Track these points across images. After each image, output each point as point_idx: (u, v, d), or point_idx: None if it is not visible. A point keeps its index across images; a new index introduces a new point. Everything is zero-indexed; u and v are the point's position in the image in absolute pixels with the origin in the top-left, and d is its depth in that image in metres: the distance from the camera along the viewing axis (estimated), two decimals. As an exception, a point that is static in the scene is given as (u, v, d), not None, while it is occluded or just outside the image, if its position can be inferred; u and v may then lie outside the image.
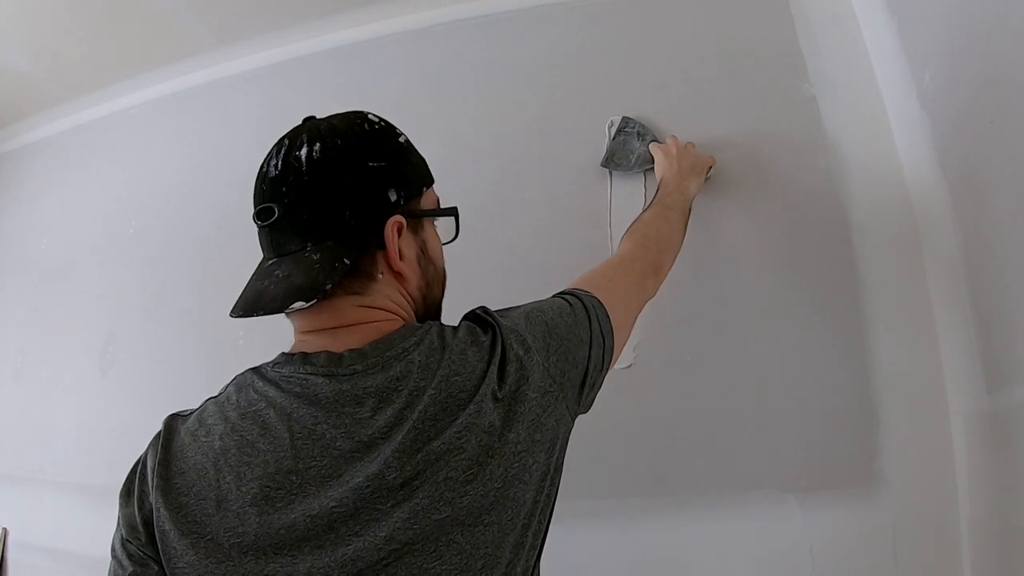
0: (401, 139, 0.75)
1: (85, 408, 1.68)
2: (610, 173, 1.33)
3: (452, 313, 0.82)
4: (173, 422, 0.70)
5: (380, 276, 0.71)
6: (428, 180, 0.78)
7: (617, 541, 1.18)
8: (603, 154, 1.33)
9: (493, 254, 1.36)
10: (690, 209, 1.14)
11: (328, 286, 0.65)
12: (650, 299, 0.97)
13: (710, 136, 1.28)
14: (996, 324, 0.94)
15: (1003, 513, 0.94)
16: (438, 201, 0.81)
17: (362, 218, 0.69)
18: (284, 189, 0.68)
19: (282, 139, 0.72)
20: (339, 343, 0.68)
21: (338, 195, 0.68)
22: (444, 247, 0.82)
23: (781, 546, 1.10)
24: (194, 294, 1.60)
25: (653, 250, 0.99)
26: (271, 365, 0.70)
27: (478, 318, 0.74)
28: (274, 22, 1.69)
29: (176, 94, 1.84)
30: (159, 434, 0.69)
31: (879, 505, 1.06)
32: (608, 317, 0.79)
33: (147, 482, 0.66)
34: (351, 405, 0.64)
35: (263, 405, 0.66)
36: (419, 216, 0.75)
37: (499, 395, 0.66)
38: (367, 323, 0.70)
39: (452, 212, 0.79)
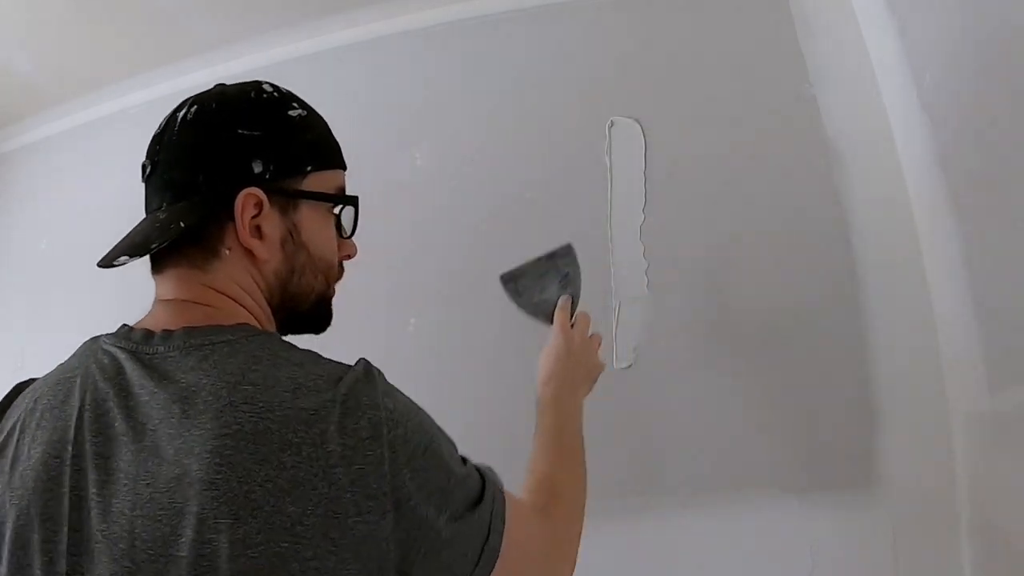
0: (294, 113, 0.70)
1: (85, 408, 1.67)
2: (609, 169, 1.33)
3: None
4: (22, 385, 0.69)
5: (227, 252, 0.66)
6: (323, 163, 0.71)
7: (616, 541, 1.18)
8: (512, 266, 1.09)
9: (493, 254, 1.36)
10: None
11: (154, 245, 0.63)
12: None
13: (711, 136, 1.28)
14: (996, 324, 0.94)
15: (1003, 513, 0.94)
16: (343, 190, 0.74)
17: (214, 184, 0.65)
18: (157, 148, 0.68)
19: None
20: (167, 320, 0.64)
21: (197, 157, 0.66)
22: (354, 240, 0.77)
23: (781, 546, 1.10)
24: (194, 294, 1.60)
25: (563, 526, 0.81)
26: (109, 333, 0.67)
27: (354, 365, 0.61)
28: (274, 22, 1.69)
29: (177, 94, 1.82)
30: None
31: (879, 505, 1.06)
32: (503, 518, 0.64)
33: None
34: (137, 387, 0.59)
35: (77, 372, 0.63)
36: (292, 195, 0.68)
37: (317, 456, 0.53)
38: (202, 304, 0.65)
39: (339, 199, 0.72)
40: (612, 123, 1.35)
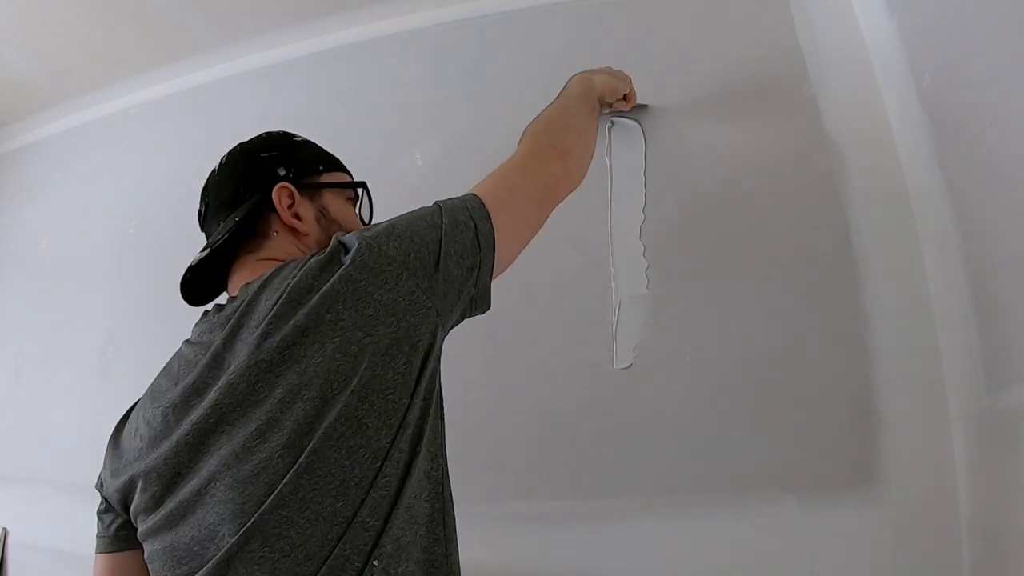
0: (296, 139, 0.93)
1: (85, 408, 1.67)
2: (609, 169, 1.33)
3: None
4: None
5: (275, 234, 0.85)
6: (330, 164, 0.92)
7: (617, 541, 1.18)
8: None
9: (493, 254, 1.36)
10: (598, 101, 1.12)
11: (219, 238, 0.81)
12: (566, 182, 0.96)
13: (710, 135, 1.28)
14: (996, 324, 0.94)
15: (1003, 513, 0.94)
16: (350, 183, 0.94)
17: (253, 189, 0.85)
18: (206, 193, 0.89)
19: None
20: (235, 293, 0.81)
21: (236, 179, 0.86)
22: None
23: (781, 546, 1.10)
24: (194, 294, 1.60)
25: (543, 136, 0.97)
26: None
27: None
28: (274, 22, 1.70)
29: (176, 94, 1.84)
30: None
31: (879, 505, 1.06)
32: (481, 204, 0.81)
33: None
34: (217, 331, 0.76)
35: (174, 355, 0.84)
36: (313, 187, 0.88)
37: (317, 284, 0.70)
38: (259, 272, 0.80)
39: (351, 184, 0.93)
40: (612, 123, 1.35)
